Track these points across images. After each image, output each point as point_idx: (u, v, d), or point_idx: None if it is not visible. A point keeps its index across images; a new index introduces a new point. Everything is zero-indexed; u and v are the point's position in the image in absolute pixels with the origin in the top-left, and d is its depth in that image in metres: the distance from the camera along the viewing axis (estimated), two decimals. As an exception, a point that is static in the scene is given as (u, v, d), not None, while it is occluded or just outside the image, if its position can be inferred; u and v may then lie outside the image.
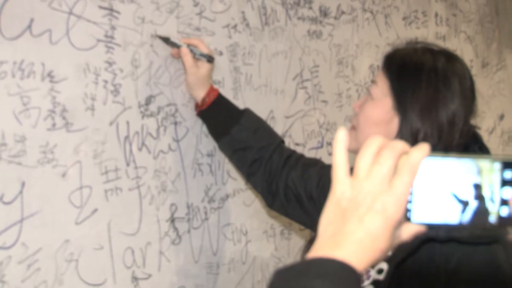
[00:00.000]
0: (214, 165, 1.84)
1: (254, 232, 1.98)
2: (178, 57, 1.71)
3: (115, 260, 1.54)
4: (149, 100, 1.66)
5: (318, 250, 0.78)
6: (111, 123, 1.56)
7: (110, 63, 1.56)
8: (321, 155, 2.22)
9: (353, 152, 1.45)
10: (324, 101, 2.23)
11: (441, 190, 0.79)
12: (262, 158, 1.75)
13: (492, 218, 0.78)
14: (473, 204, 0.78)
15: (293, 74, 2.12)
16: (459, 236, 1.24)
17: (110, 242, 1.54)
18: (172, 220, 1.71)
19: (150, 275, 1.63)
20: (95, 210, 1.51)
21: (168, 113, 1.71)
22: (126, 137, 1.60)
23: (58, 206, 1.42)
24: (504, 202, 0.77)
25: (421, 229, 0.81)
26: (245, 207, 1.95)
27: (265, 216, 2.02)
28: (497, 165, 0.78)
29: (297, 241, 2.14)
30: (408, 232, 0.81)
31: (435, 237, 1.25)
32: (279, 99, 2.07)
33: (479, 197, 0.78)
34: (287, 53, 2.09)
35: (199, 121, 1.80)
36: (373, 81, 1.47)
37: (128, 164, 1.60)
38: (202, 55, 1.69)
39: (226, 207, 1.87)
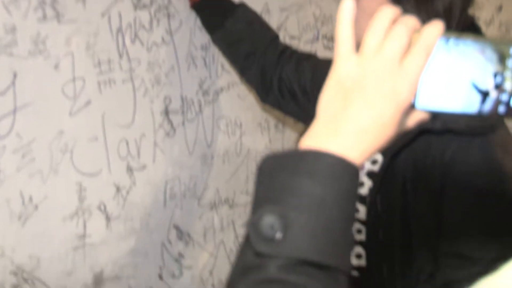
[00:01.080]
0: (209, 58, 1.84)
1: (248, 125, 2.00)
2: None
3: (109, 151, 1.57)
4: (141, -9, 1.63)
5: (314, 136, 0.71)
6: (103, 15, 1.54)
7: (100, -47, 1.52)
8: (316, 48, 2.21)
9: None
10: (320, -6, 2.20)
11: (453, 75, 0.70)
12: (256, 52, 1.74)
13: (502, 109, 0.71)
14: (493, 94, 0.70)
15: (288, -35, 2.07)
16: (455, 127, 1.24)
17: (105, 134, 1.56)
18: (166, 112, 1.72)
19: (145, 166, 1.66)
20: (89, 101, 1.52)
21: (161, 5, 1.69)
22: (119, 29, 1.59)
23: (51, 97, 1.43)
24: None
25: (426, 116, 0.75)
26: (239, 100, 1.96)
27: (259, 109, 2.04)
28: None
29: (291, 135, 2.16)
30: (413, 119, 0.75)
31: (431, 128, 1.25)
32: (274, -9, 2.03)
33: (498, 86, 0.70)
34: None
35: (193, 14, 1.78)
36: None
37: (121, 56, 1.59)
38: None
39: (221, 100, 1.88)
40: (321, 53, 2.22)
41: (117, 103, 1.59)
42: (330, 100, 0.72)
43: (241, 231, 1.98)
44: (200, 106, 1.82)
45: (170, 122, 1.73)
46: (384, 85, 0.69)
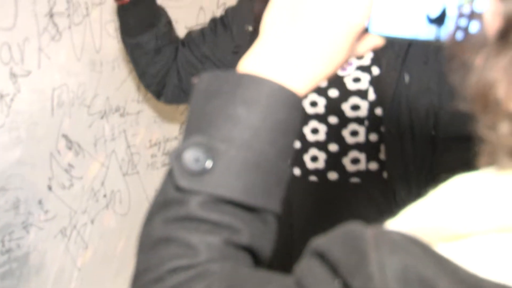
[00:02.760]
0: (94, -42, 1.72)
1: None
2: None
3: (-10, 55, 1.46)
4: None
5: (255, 59, 0.64)
6: None
7: None
8: None
9: None
10: None
11: (409, 1, 0.65)
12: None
13: (459, 35, 0.65)
14: (449, 21, 0.64)
15: None
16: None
17: (-16, 36, 1.45)
18: (51, 15, 1.61)
19: (29, 72, 1.56)
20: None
21: None
22: None
23: None
24: (474, 16, 0.64)
25: (380, 42, 0.69)
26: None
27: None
28: None
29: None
30: (366, 44, 0.68)
31: None
32: None
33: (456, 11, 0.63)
34: None
35: None
36: None
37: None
38: None
39: (109, 2, 1.78)
40: None
41: (-3, 4, 1.47)
42: (275, 18, 0.64)
43: (133, 141, 1.93)
44: (87, 9, 1.72)
45: (56, 26, 1.63)
46: (337, 4, 0.62)
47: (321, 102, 1.37)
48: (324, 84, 1.36)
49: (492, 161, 0.51)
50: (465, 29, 0.61)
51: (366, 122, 1.35)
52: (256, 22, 1.48)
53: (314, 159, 1.40)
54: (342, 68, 1.33)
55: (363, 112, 1.35)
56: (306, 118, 1.38)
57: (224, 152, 0.59)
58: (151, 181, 2.01)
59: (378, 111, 1.34)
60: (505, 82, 0.48)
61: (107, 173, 1.86)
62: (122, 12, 1.61)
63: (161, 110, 2.01)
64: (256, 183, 0.60)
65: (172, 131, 2.08)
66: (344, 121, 1.36)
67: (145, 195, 1.99)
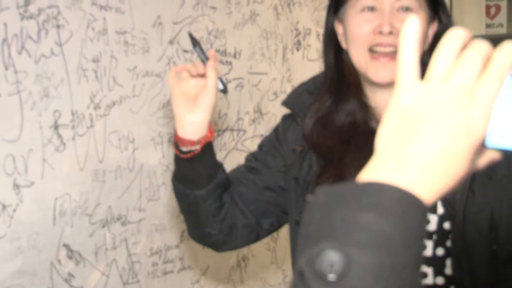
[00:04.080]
0: (100, 71, 1.79)
1: (141, 140, 1.96)
2: (195, 73, 1.42)
3: (-5, 168, 1.50)
4: (28, 1, 1.57)
5: (376, 170, 0.62)
6: (-13, 24, 1.47)
7: (-16, -41, 1.46)
8: (210, 62, 2.20)
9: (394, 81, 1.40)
10: (213, 8, 2.20)
11: None
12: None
13: None
14: None
15: (181, -22, 2.06)
16: None
17: (-11, 149, 1.48)
18: (56, 127, 1.66)
19: (32, 183, 1.59)
20: (-28, 116, 1.44)
21: (50, 15, 1.63)
22: (4, 40, 1.52)
23: None
24: None
25: (498, 156, 0.67)
26: (132, 114, 1.92)
27: (153, 123, 2.00)
28: None
29: (185, 149, 2.14)
30: (484, 158, 0.66)
31: None
32: (167, 4, 2.01)
33: None
34: (176, -44, 2.03)
35: (84, 25, 1.73)
36: None
37: (6, 68, 1.52)
38: (221, 80, 1.45)
39: (113, 114, 1.83)
40: (215, 67, 2.21)
41: (3, 117, 1.52)
42: (392, 132, 0.63)
43: (134, 249, 1.93)
44: (91, 120, 1.76)
45: (60, 137, 1.67)
46: (455, 116, 0.61)
47: None
48: None
49: None
50: None
51: (435, 236, 1.35)
52: (305, 141, 1.45)
53: None
54: None
55: (432, 226, 1.34)
56: None
57: (359, 256, 0.57)
58: (152, 290, 1.99)
59: (447, 225, 1.34)
60: None
61: (108, 282, 1.85)
62: (189, 164, 1.46)
63: (162, 218, 2.03)
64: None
65: (173, 239, 2.08)
66: None
67: (145, 304, 1.97)
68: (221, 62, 2.24)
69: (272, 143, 1.54)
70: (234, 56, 2.30)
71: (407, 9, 1.35)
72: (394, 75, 1.33)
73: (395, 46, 1.33)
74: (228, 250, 1.60)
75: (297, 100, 1.51)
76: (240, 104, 2.32)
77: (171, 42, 2.03)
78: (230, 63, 2.29)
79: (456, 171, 0.61)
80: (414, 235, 0.59)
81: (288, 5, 2.55)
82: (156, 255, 2.02)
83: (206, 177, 1.45)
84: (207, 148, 1.44)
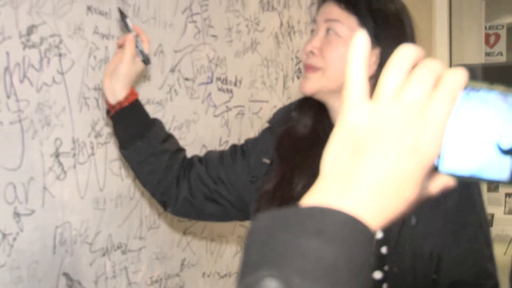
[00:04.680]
0: (102, 99, 1.79)
1: (142, 168, 1.95)
2: (121, 44, 1.62)
3: (-5, 196, 1.49)
4: (30, 30, 1.58)
5: (321, 194, 0.59)
6: (-11, 53, 1.48)
7: (-12, -11, 1.47)
8: (211, 90, 2.21)
9: (323, 92, 1.47)
10: (214, 36, 2.21)
11: (478, 133, 0.59)
12: (175, 162, 1.67)
13: None
14: None
15: (182, 7, 2.07)
16: None
17: (-10, 178, 1.48)
18: (57, 155, 1.66)
19: (33, 211, 1.59)
20: (-27, 144, 1.44)
21: (51, 44, 1.64)
22: (6, 69, 1.53)
23: None
24: None
25: (451, 182, 0.63)
26: (133, 142, 1.92)
27: (154, 152, 2.00)
28: None
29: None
30: (437, 184, 0.63)
31: None
32: (168, 32, 2.03)
33: None
34: (177, -14, 2.05)
35: (86, 53, 1.74)
36: (329, 20, 1.45)
37: (8, 97, 1.53)
38: (142, 52, 1.61)
39: (114, 142, 1.83)
40: (215, 95, 2.22)
41: (4, 145, 1.52)
42: (338, 153, 0.60)
43: (134, 278, 1.92)
44: (92, 148, 1.77)
45: (61, 165, 1.67)
46: (404, 136, 0.58)
47: None
48: None
49: None
50: None
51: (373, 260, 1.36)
52: (274, 155, 1.56)
53: None
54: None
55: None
56: None
57: (300, 285, 0.54)
58: (152, 319, 1.98)
59: (384, 249, 1.37)
60: None
61: (108, 311, 1.84)
62: (113, 125, 1.66)
63: (162, 246, 2.02)
64: None
65: (174, 268, 2.07)
66: None
67: (145, 334, 1.95)
68: (222, 90, 2.25)
69: (249, 148, 1.66)
70: (235, 84, 2.31)
71: (333, 32, 1.45)
72: (313, 86, 1.47)
73: (314, 66, 1.47)
74: (174, 214, 1.77)
75: (277, 116, 1.65)
76: (241, 132, 2.32)
77: (172, 70, 2.04)
78: (231, 91, 2.30)
79: (406, 194, 0.59)
80: (360, 263, 0.56)
81: (289, 33, 2.57)
82: (157, 283, 2.00)
83: (127, 138, 1.64)
84: (124, 111, 1.61)
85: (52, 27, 1.64)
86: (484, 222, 1.42)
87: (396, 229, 1.34)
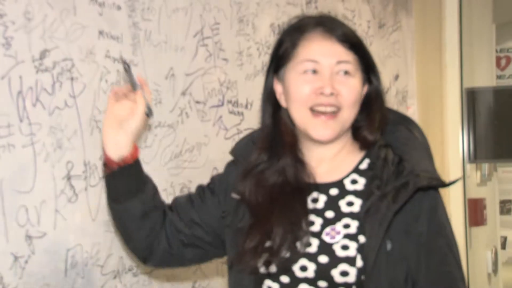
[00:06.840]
0: (113, 122, 1.81)
1: (153, 190, 1.96)
2: (115, 93, 1.55)
3: (7, 219, 1.50)
4: (43, 55, 1.60)
5: None
6: (2, 78, 1.50)
7: (1, 15, 1.49)
8: (222, 113, 2.22)
9: (333, 139, 1.48)
10: (225, 59, 2.23)
11: None
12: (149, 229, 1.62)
13: None
14: None
15: (193, 31, 2.10)
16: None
17: (2, 200, 1.49)
18: (69, 178, 1.67)
19: (45, 234, 1.60)
20: (-14, 167, 1.45)
21: (64, 68, 1.66)
22: (19, 92, 1.54)
23: None
24: None
25: None
26: (144, 165, 1.91)
27: (165, 174, 2.01)
28: None
29: (197, 199, 2.14)
30: None
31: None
32: (179, 56, 2.05)
33: None
34: (188, 10, 2.07)
35: (97, 77, 1.76)
36: (342, 61, 1.46)
37: (21, 120, 1.55)
38: (148, 106, 1.53)
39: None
40: (226, 118, 2.23)
41: (16, 169, 1.53)
42: None
43: (146, 300, 1.92)
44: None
45: (73, 188, 1.68)
46: None
47: (311, 267, 1.39)
48: (314, 250, 1.40)
49: None
50: None
51: None
52: (245, 202, 1.52)
53: None
54: (331, 236, 1.40)
55: (351, 278, 1.38)
56: (296, 281, 1.40)
57: None
58: None
59: (363, 277, 1.38)
60: None
61: (119, 335, 1.83)
62: (111, 179, 1.58)
63: (173, 269, 2.02)
64: None
65: (185, 290, 2.07)
66: (333, 286, 1.39)
67: None
68: (233, 113, 2.26)
69: (216, 185, 1.64)
70: (246, 107, 2.32)
71: (346, 73, 1.46)
72: (334, 133, 1.46)
73: (336, 106, 1.45)
74: (154, 267, 1.74)
75: (240, 148, 1.62)
76: (251, 155, 2.32)
77: (183, 93, 2.05)
78: (242, 113, 2.31)
79: None
80: None
81: (299, 56, 2.58)
82: (168, 306, 2.00)
83: (125, 193, 1.56)
84: (127, 169, 1.54)
85: (64, 51, 1.66)
86: (453, 246, 1.44)
87: (373, 255, 1.36)
